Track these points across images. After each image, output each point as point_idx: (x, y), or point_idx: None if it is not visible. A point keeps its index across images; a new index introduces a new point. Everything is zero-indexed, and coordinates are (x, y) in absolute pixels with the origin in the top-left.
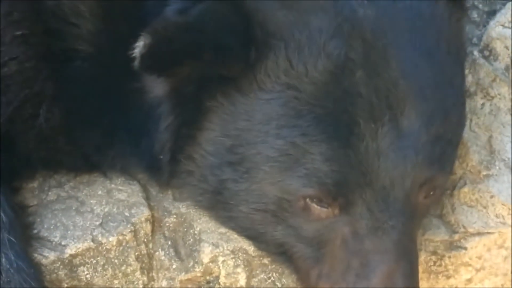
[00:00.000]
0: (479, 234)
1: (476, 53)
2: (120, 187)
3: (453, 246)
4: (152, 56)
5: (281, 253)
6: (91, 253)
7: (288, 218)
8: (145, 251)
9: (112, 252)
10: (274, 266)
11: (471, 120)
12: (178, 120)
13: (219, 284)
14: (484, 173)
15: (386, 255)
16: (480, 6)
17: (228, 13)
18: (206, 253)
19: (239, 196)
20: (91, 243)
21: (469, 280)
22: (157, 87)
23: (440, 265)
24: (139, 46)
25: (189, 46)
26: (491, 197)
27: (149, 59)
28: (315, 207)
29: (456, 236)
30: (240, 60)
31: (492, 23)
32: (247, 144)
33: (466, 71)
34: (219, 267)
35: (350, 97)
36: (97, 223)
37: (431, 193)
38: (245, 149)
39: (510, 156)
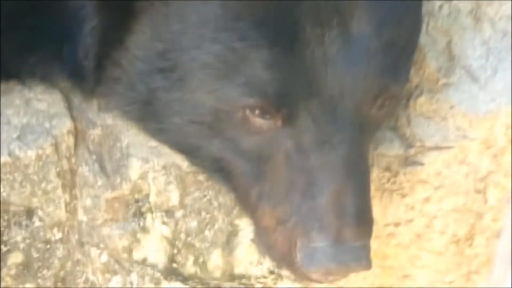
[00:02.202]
0: (437, 148)
1: None
2: (39, 96)
3: (409, 162)
4: None
5: (218, 169)
6: (8, 169)
7: (225, 131)
8: (67, 167)
9: (30, 167)
10: (210, 183)
11: (428, 23)
12: (104, 23)
13: (149, 202)
14: (443, 81)
15: (334, 172)
16: None
17: None
18: (134, 169)
19: (172, 106)
20: (8, 158)
21: (427, 199)
22: None
23: (394, 183)
24: None
25: None
26: (451, 107)
27: None
28: (256, 119)
29: (412, 151)
30: None
31: None
32: (180, 49)
33: None
34: (149, 184)
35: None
36: (14, 135)
37: (385, 104)
38: (178, 55)
39: (471, 62)
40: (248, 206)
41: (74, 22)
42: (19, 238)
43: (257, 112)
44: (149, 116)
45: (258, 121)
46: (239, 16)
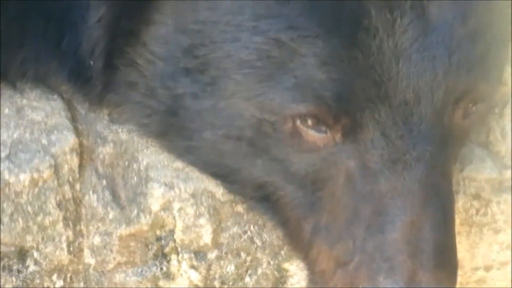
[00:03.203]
0: None
1: None
2: (35, 104)
3: (504, 188)
4: None
5: (262, 198)
6: None
7: (271, 148)
8: (70, 195)
9: (23, 195)
10: (251, 215)
11: None
12: (115, 10)
13: (174, 241)
14: None
15: (409, 199)
16: None
17: None
18: (155, 197)
19: (202, 117)
20: None
21: None
22: None
23: (485, 215)
24: None
25: None
26: None
27: None
28: (309, 132)
29: (508, 173)
30: None
31: None
32: (211, 43)
33: None
34: (174, 217)
35: None
36: (3, 154)
37: (472, 111)
38: (209, 51)
39: None
40: (300, 245)
41: (76, 8)
42: (9, 287)
43: (310, 122)
44: (174, 130)
45: (312, 135)
46: None
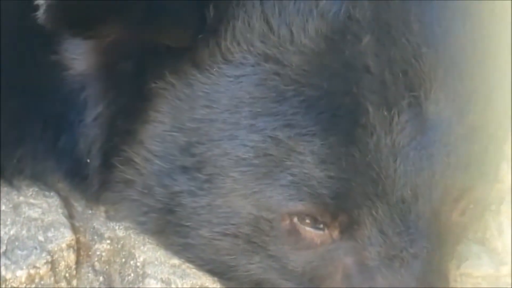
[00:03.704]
0: None
1: None
2: (32, 201)
3: (501, 284)
4: (62, 4)
5: None
6: None
7: (268, 246)
8: None
9: None
10: None
11: None
12: (112, 109)
13: None
14: None
15: None
16: None
17: None
18: None
19: (199, 215)
20: None
21: None
22: (80, 60)
23: None
24: None
25: None
26: None
27: (58, 8)
28: (306, 229)
29: (505, 270)
30: (190, 21)
31: None
32: (208, 141)
33: None
34: None
35: (353, 72)
36: (0, 251)
37: (469, 208)
38: (206, 149)
39: None
40: None
41: (73, 107)
42: None
43: (307, 220)
44: (171, 227)
45: (309, 232)
46: (282, 96)
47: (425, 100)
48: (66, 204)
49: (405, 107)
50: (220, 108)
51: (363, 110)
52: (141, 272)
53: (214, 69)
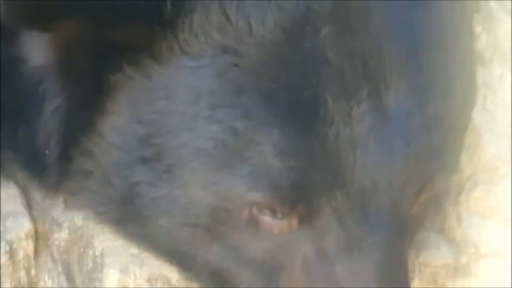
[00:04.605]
0: (495, 255)
1: (493, 4)
2: None
3: (460, 273)
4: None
5: (218, 284)
6: None
7: (227, 235)
8: (25, 280)
9: None
10: None
11: (485, 97)
12: (70, 102)
13: None
14: (503, 170)
15: (365, 285)
16: None
17: None
18: (111, 283)
19: (158, 205)
20: None
21: None
22: (38, 53)
23: None
24: None
25: None
26: None
27: (15, 5)
28: (265, 219)
29: (464, 259)
30: (148, 17)
31: None
32: (167, 132)
33: (479, 29)
34: None
35: (313, 64)
36: None
37: (429, 199)
38: (165, 140)
39: None
40: None
41: (31, 99)
42: None
43: (266, 210)
44: (130, 218)
45: (269, 222)
46: (241, 88)
47: (385, 91)
48: (25, 193)
49: (364, 98)
50: (178, 100)
51: (322, 101)
52: (99, 262)
53: (173, 61)
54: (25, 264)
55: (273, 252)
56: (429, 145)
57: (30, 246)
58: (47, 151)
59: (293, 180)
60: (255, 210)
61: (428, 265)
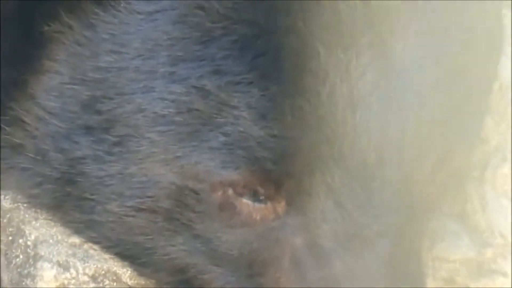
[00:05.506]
0: None
1: None
2: None
3: (484, 270)
4: None
5: (181, 283)
6: None
7: (194, 223)
8: None
9: None
10: None
11: None
12: None
13: None
14: None
15: (370, 284)
16: None
17: None
18: (46, 280)
19: (107, 186)
20: None
21: None
22: None
23: None
24: None
25: None
26: None
27: None
28: (243, 202)
29: (489, 252)
30: None
31: None
32: (118, 94)
33: None
34: None
35: (298, 4)
36: None
37: (447, 177)
38: (115, 104)
39: None
40: None
41: None
42: None
43: (245, 191)
44: (71, 201)
45: (247, 206)
46: (209, 36)
47: (391, 38)
48: None
49: (365, 47)
50: (130, 54)
51: (312, 51)
52: (32, 253)
53: (121, 5)
54: None
55: (254, 244)
56: (446, 106)
57: None
58: None
59: (278, 151)
60: (230, 191)
61: (445, 260)
